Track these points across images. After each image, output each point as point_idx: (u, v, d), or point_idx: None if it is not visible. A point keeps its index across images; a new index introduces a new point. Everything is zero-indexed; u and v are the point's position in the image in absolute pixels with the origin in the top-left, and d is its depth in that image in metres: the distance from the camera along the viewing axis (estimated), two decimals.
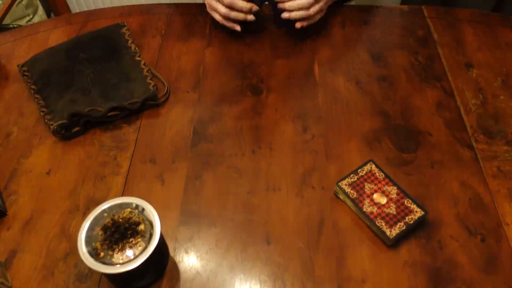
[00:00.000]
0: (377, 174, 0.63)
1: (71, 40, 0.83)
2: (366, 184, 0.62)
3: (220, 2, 0.79)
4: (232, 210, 0.63)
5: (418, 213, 0.59)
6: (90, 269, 0.57)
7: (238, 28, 0.81)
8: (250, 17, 0.79)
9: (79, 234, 0.52)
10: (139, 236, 0.52)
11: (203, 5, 0.93)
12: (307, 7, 0.77)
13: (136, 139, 0.72)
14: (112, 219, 0.53)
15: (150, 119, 0.74)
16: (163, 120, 0.74)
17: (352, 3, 0.94)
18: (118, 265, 0.50)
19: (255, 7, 0.79)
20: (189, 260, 0.59)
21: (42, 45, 0.86)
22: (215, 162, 0.68)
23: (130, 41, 0.83)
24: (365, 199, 0.61)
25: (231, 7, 0.78)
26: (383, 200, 0.61)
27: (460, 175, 0.66)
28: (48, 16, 1.76)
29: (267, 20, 0.88)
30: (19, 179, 0.67)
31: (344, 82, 0.78)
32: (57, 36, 0.89)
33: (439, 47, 0.83)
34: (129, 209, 0.54)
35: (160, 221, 0.52)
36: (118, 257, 0.50)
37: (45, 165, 0.69)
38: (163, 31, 0.88)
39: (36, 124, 0.74)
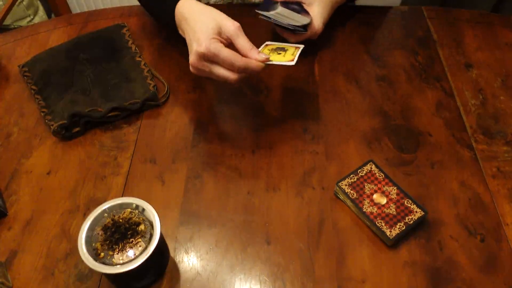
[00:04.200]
0: (377, 174, 0.63)
1: (71, 40, 0.83)
2: (366, 184, 0.62)
3: (224, 67, 0.62)
4: (232, 210, 0.63)
5: (418, 213, 0.59)
6: (90, 269, 0.57)
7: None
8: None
9: (79, 234, 0.52)
10: (139, 236, 0.52)
11: None
12: None
13: (136, 139, 0.72)
14: (112, 219, 0.53)
15: (150, 119, 0.75)
16: (163, 120, 0.74)
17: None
18: (118, 265, 0.50)
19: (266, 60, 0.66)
20: (189, 260, 0.59)
21: (42, 46, 0.86)
22: (215, 162, 0.68)
23: (130, 42, 0.83)
24: (365, 199, 0.61)
25: (243, 71, 0.63)
26: (383, 201, 0.61)
27: (460, 175, 0.66)
28: (49, 16, 1.76)
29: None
30: (20, 180, 0.68)
31: (344, 82, 0.78)
32: (57, 36, 0.89)
33: (438, 48, 0.84)
34: (129, 209, 0.54)
35: (160, 221, 0.52)
36: (118, 257, 0.51)
37: (45, 166, 0.69)
38: (163, 32, 0.88)
39: (36, 125, 0.74)
